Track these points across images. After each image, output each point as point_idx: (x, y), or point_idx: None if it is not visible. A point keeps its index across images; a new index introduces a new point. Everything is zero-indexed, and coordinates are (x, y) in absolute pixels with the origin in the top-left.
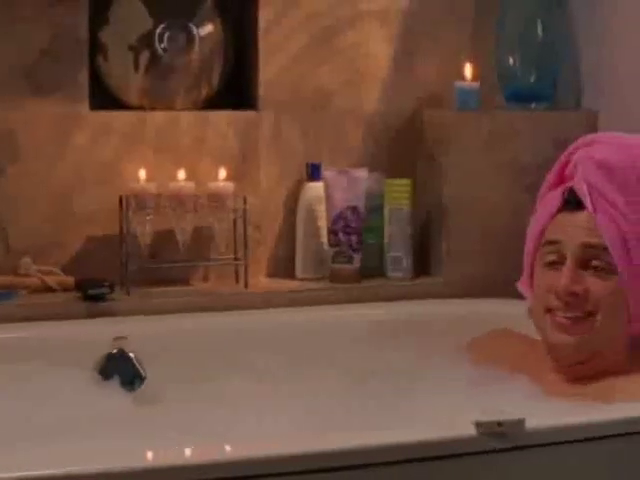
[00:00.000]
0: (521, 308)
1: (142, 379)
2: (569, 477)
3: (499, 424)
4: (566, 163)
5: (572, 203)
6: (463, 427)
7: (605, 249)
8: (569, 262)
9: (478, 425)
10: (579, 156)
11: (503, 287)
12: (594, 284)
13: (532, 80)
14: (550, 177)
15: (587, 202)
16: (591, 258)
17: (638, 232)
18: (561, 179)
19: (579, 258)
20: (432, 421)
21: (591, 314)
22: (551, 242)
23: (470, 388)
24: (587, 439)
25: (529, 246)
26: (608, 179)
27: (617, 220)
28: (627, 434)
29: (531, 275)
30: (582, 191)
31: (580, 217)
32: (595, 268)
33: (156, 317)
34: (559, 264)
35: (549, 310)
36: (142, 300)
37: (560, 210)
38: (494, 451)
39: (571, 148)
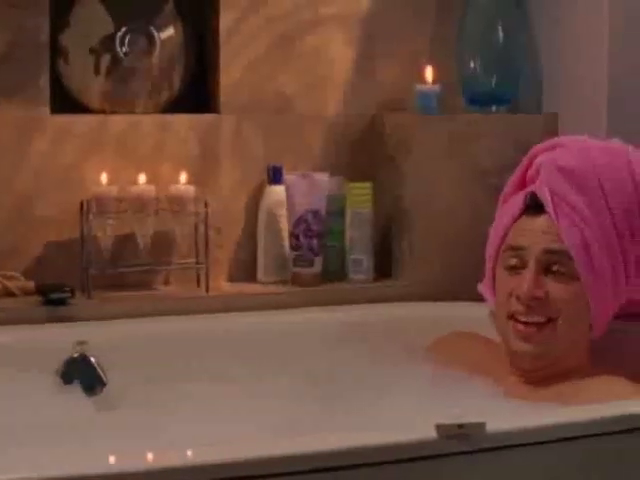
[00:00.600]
0: (482, 310)
1: (103, 384)
2: (530, 479)
3: (460, 426)
4: (528, 167)
5: (534, 208)
6: (424, 430)
7: (567, 254)
8: (531, 267)
9: (439, 428)
10: (541, 160)
11: (464, 289)
12: (555, 288)
13: (493, 83)
14: (512, 181)
15: (549, 207)
16: (553, 263)
17: (600, 236)
18: (523, 183)
19: (541, 263)
20: (393, 424)
21: (552, 320)
22: (513, 247)
23: (431, 389)
24: (548, 441)
25: (491, 250)
26: (569, 183)
27: (579, 225)
28: (588, 436)
29: (493, 278)
30: (544, 196)
31: (541, 222)
32: (556, 273)
33: (117, 321)
34: (520, 268)
35: (511, 316)
36: (103, 304)
37: (522, 214)
38: (455, 454)
39: (533, 151)
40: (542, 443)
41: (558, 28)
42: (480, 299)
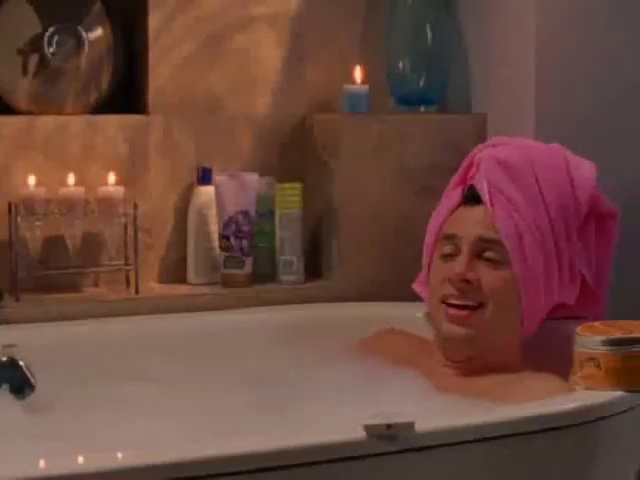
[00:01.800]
0: (412, 310)
1: (32, 387)
2: (460, 478)
3: (388, 426)
4: (470, 165)
5: (471, 199)
6: (352, 430)
7: (500, 243)
8: (464, 252)
9: (367, 428)
10: (481, 156)
11: (395, 290)
12: (486, 274)
13: (421, 84)
14: (454, 179)
15: (485, 198)
16: (485, 250)
17: (534, 229)
18: (465, 181)
19: (474, 250)
20: (322, 424)
21: (482, 305)
22: (448, 236)
23: (362, 388)
24: (477, 440)
25: (429, 242)
26: (508, 177)
27: (514, 217)
28: (516, 435)
29: (428, 273)
30: (481, 187)
31: (478, 212)
32: (489, 259)
33: (46, 324)
34: (455, 256)
35: (443, 300)
36: (32, 307)
37: (459, 206)
38: (384, 454)
39: (475, 150)
40: (470, 442)
41: (486, 29)
42: (410, 299)
